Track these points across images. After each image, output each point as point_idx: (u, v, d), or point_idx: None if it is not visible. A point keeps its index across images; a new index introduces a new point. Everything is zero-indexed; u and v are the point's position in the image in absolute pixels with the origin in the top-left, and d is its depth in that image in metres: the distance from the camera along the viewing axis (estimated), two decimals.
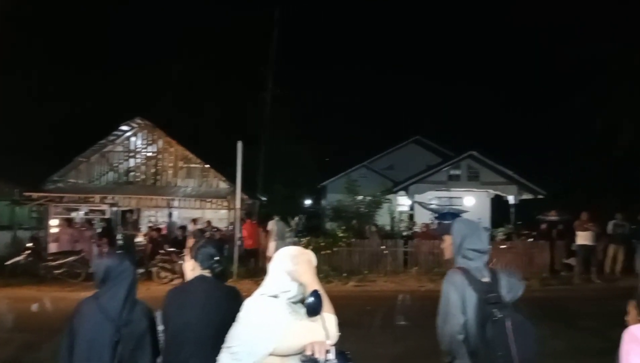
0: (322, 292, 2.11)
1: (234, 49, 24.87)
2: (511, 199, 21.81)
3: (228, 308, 2.57)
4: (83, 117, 22.63)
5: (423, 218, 21.72)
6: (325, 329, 2.05)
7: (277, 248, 12.56)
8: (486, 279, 2.72)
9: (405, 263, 13.67)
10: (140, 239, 15.95)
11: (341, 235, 13.91)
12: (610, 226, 13.27)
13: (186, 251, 3.03)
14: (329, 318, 2.10)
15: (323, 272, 12.55)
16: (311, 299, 2.03)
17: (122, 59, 25.11)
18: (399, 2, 58.75)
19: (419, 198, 22.44)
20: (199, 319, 2.64)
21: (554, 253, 14.09)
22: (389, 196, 20.02)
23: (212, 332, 2.55)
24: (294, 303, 2.14)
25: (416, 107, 49.17)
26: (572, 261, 13.55)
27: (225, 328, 2.51)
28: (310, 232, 18.58)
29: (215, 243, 3.03)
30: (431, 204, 23.50)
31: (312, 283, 2.14)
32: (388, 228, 19.11)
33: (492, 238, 16.21)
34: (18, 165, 18.04)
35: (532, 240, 14.27)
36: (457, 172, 22.36)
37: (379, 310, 9.59)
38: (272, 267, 2.23)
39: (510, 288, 2.72)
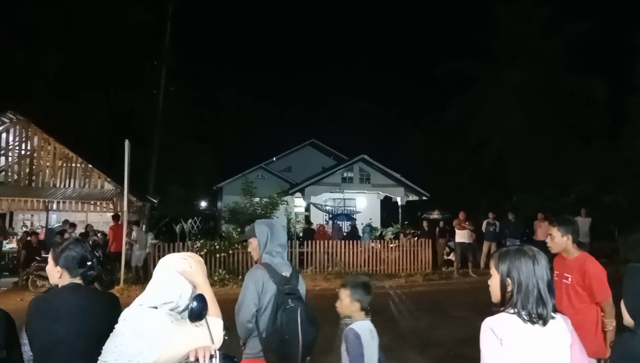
0: (208, 296, 2.08)
1: (125, 42, 23.48)
2: (399, 200, 23.10)
3: (106, 318, 2.37)
4: None
5: (318, 219, 22.24)
6: (210, 333, 2.02)
7: (139, 258, 11.99)
8: (286, 273, 3.06)
9: (301, 263, 13.86)
10: (13, 245, 14.54)
11: (237, 237, 13.75)
12: (484, 225, 14.59)
13: (49, 257, 2.59)
14: (214, 322, 2.07)
15: (218, 275, 12.32)
16: (194, 303, 1.99)
17: None
18: (298, 4, 59.56)
19: (314, 199, 22.90)
20: (71, 334, 2.36)
21: (436, 250, 15.17)
22: (286, 198, 20.19)
23: (88, 345, 2.32)
24: (178, 312, 2.07)
25: (312, 110, 50.20)
26: (452, 257, 14.70)
27: (104, 341, 2.37)
28: (205, 235, 18.15)
29: (82, 244, 2.58)
30: (326, 205, 24.14)
31: (203, 286, 2.11)
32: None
33: (382, 237, 17.05)
34: None
35: (416, 238, 15.20)
36: (350, 174, 23.19)
37: None
38: (158, 271, 2.15)
39: (302, 283, 3.18)
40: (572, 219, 3.78)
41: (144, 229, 16.36)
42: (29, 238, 13.42)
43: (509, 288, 2.03)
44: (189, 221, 15.58)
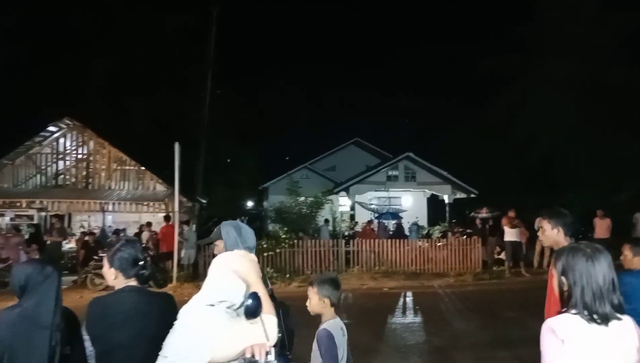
0: (262, 294, 2.11)
1: (173, 48, 24.21)
2: (446, 198, 22.66)
3: (163, 320, 2.40)
4: (4, 117, 21.29)
5: (364, 217, 22.15)
6: (265, 331, 2.05)
7: (190, 256, 12.34)
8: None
9: (347, 263, 13.86)
10: (72, 245, 15.22)
11: (284, 236, 13.90)
12: (536, 223, 14.06)
13: (105, 259, 2.64)
14: (268, 320, 2.10)
15: (266, 274, 12.47)
16: (250, 301, 2.02)
17: (48, 53, 23.77)
18: (338, 4, 59.55)
19: (359, 198, 22.83)
20: (130, 339, 2.42)
21: (486, 249, 14.79)
22: (331, 197, 20.23)
23: (149, 349, 2.33)
24: (234, 310, 2.12)
25: (355, 109, 50.09)
26: (503, 256, 14.28)
27: (162, 342, 2.43)
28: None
29: (133, 244, 2.63)
30: (371, 204, 24.00)
31: (256, 284, 2.14)
32: (330, 228, 19.33)
33: (429, 236, 16.79)
34: None
35: (465, 237, 14.88)
36: (395, 173, 22.96)
37: None
38: (214, 270, 2.20)
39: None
40: (564, 211, 3.57)
41: (193, 229, 16.84)
42: (86, 238, 14.08)
43: (565, 288, 1.98)
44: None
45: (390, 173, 23.04)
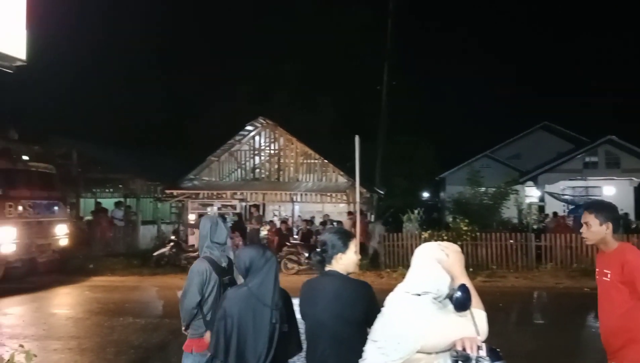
0: (470, 286, 2.05)
1: (349, 42, 25.08)
2: None
3: (360, 305, 2.61)
4: (211, 120, 24.55)
5: (554, 209, 20.18)
6: (475, 325, 1.99)
7: (371, 246, 12.68)
8: (224, 264, 3.47)
9: (538, 258, 12.78)
10: (264, 232, 16.83)
11: (465, 228, 13.39)
12: None
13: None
14: (478, 314, 2.03)
15: None
16: (459, 293, 1.97)
17: (242, 61, 26.69)
18: None
19: (549, 188, 20.90)
20: (330, 317, 2.61)
21: None
22: (516, 187, 18.86)
23: (346, 329, 2.57)
24: (440, 301, 2.10)
25: (542, 90, 45.63)
26: None
27: (358, 324, 2.54)
28: (430, 225, 18.18)
29: (336, 234, 2.84)
30: (564, 194, 21.76)
31: (461, 277, 2.09)
32: (515, 221, 18.05)
33: (639, 231, 14.54)
34: (159, 166, 20.12)
35: None
36: (594, 159, 20.49)
37: (513, 307, 9.11)
38: (416, 260, 2.20)
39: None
40: (613, 204, 3.06)
41: (373, 219, 17.31)
42: (280, 226, 15.48)
43: None
44: (415, 211, 15.78)
45: (587, 159, 20.60)
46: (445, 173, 27.96)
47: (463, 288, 1.98)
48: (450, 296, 2.05)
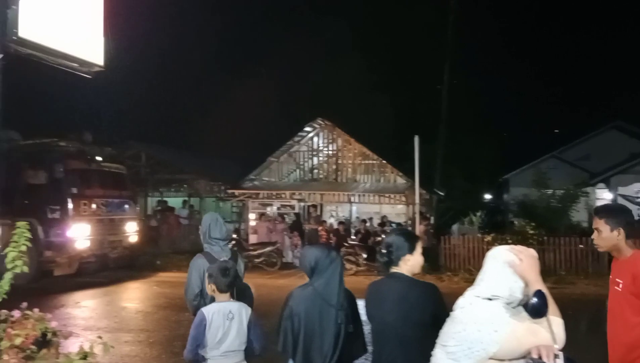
0: (546, 292, 1.97)
1: (407, 41, 24.76)
2: None
3: (428, 308, 2.58)
4: (271, 121, 25.03)
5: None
6: (552, 332, 1.91)
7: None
8: (224, 258, 3.55)
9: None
10: (321, 232, 16.92)
11: (531, 232, 12.85)
12: None
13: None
14: (555, 322, 1.95)
15: None
16: (535, 300, 1.90)
17: (300, 61, 26.99)
18: None
19: (622, 190, 19.71)
20: (397, 320, 2.59)
21: None
22: (586, 189, 17.90)
23: (413, 331, 2.55)
24: (513, 307, 2.03)
25: (614, 88, 43.08)
26: None
27: (426, 327, 2.48)
28: (493, 228, 17.61)
29: (402, 235, 2.85)
30: (638, 197, 20.49)
31: (537, 282, 2.01)
32: (585, 224, 17.13)
33: None
34: (222, 167, 20.76)
35: None
36: None
37: (583, 315, 8.64)
38: (488, 264, 2.14)
39: (241, 264, 3.77)
40: (625, 208, 2.82)
41: (432, 221, 16.99)
42: (337, 227, 15.54)
43: None
44: (478, 213, 15.35)
45: None
46: (508, 174, 26.99)
47: (539, 294, 1.92)
48: (524, 303, 1.99)
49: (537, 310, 1.90)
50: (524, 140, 30.44)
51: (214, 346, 3.01)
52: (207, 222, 3.75)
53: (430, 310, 2.56)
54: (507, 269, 2.06)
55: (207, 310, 3.09)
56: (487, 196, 32.89)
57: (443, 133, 22.28)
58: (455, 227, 14.74)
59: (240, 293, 3.40)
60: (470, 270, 11.69)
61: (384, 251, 2.80)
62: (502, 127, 29.79)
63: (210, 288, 3.18)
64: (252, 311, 3.24)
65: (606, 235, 2.90)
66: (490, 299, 2.03)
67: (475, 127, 25.78)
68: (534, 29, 51.72)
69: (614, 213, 2.97)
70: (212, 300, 3.22)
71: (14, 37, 3.40)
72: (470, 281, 2.09)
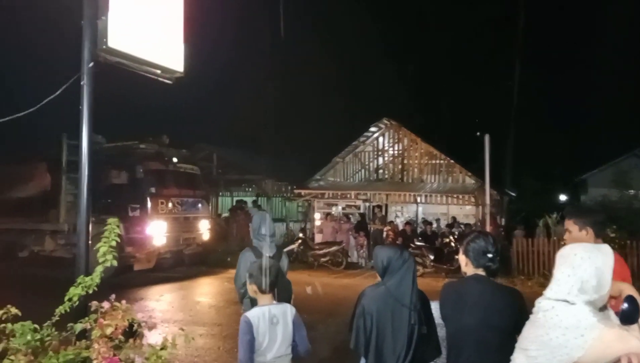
0: (638, 297, 1.87)
1: (476, 38, 24.09)
2: None
3: (509, 313, 2.50)
4: (337, 122, 25.16)
5: None
6: None
7: None
8: (270, 254, 3.80)
9: None
10: (389, 233, 16.79)
11: (612, 235, 12.05)
12: None
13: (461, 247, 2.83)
14: None
15: None
16: (626, 305, 1.82)
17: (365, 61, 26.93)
18: None
19: None
20: (477, 323, 2.51)
21: None
22: None
23: (494, 336, 2.48)
24: (598, 310, 1.93)
25: None
26: None
27: (507, 332, 2.42)
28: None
29: (484, 237, 2.71)
30: None
31: (627, 287, 1.92)
32: None
33: None
34: (289, 167, 21.13)
35: None
36: None
37: None
38: (568, 264, 2.04)
39: (284, 260, 4.11)
40: (594, 208, 2.18)
41: (503, 222, 16.39)
42: (403, 227, 15.37)
43: None
44: (554, 215, 14.61)
45: None
46: (586, 174, 25.52)
47: (630, 299, 1.83)
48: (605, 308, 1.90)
49: (627, 316, 1.82)
50: (601, 138, 28.55)
51: (261, 353, 2.89)
52: (258, 220, 4.05)
53: (513, 315, 2.48)
54: (592, 271, 1.97)
55: (252, 315, 2.93)
56: (563, 197, 31.23)
57: (513, 131, 21.44)
58: (518, 232, 14.17)
59: (282, 288, 3.38)
60: (545, 274, 11.19)
61: (494, 256, 2.69)
62: (576, 124, 28.25)
63: (251, 289, 3.05)
64: (296, 312, 3.12)
65: (575, 235, 2.98)
66: (572, 302, 1.95)
67: (547, 125, 24.66)
68: (608, 17, 48.38)
69: (582, 213, 3.07)
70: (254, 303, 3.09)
71: (104, 47, 3.60)
72: (545, 287, 2.02)
